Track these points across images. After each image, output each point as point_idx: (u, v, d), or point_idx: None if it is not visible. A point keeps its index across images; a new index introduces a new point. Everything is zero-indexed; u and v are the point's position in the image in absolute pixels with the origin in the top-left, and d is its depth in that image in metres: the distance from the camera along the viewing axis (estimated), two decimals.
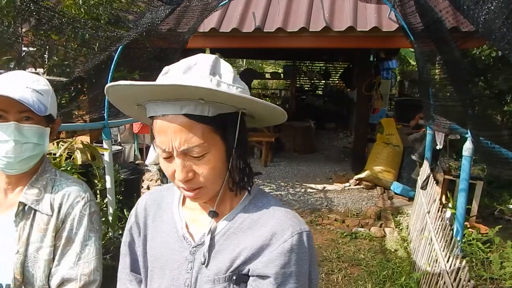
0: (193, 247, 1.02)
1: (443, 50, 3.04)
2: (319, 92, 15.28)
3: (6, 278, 1.26)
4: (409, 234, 4.79)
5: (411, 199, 5.84)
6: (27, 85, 1.27)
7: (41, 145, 1.32)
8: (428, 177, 4.25)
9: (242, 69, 19.97)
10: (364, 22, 5.39)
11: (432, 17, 2.78)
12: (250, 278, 0.97)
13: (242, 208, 1.02)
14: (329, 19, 5.47)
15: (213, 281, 0.97)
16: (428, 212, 3.84)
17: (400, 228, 5.10)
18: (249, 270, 0.96)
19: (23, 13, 2.73)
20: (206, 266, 0.98)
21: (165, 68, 0.94)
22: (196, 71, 0.90)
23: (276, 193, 6.44)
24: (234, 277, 0.96)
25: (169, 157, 0.93)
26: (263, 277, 0.94)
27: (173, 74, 0.91)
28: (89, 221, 1.34)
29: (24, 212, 1.31)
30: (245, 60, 21.63)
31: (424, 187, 4.26)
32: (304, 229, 0.97)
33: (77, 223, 1.33)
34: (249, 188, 1.03)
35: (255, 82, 16.64)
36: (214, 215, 1.01)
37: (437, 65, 3.50)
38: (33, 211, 1.32)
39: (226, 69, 0.95)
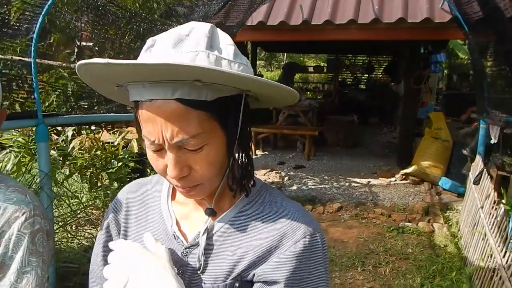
0: (185, 248, 0.86)
1: (503, 40, 2.96)
2: (362, 86, 15.13)
3: None
4: (459, 230, 4.69)
5: (460, 195, 5.71)
6: None
7: None
8: (481, 172, 4.15)
9: (283, 63, 20.02)
10: (415, 13, 5.29)
11: (493, 6, 2.72)
12: (255, 285, 0.82)
13: (244, 204, 0.87)
14: (378, 10, 5.40)
15: None
16: (482, 208, 3.75)
17: (450, 224, 5.00)
18: (254, 275, 0.81)
19: (88, 7, 2.87)
20: (202, 271, 0.83)
21: (150, 40, 0.76)
22: (189, 45, 0.73)
23: (320, 186, 6.45)
24: (237, 285, 0.82)
25: (160, 150, 0.77)
26: (270, 283, 0.80)
27: (160, 49, 0.73)
28: (30, 242, 1.03)
29: None
30: (285, 54, 21.63)
31: (477, 182, 4.16)
32: (317, 229, 0.84)
33: (13, 245, 1.02)
34: (251, 185, 0.88)
35: (296, 76, 16.62)
36: (212, 213, 0.85)
37: (494, 56, 3.41)
38: None
39: (225, 41, 0.78)
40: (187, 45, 0.72)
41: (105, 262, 0.87)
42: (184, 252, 0.86)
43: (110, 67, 0.69)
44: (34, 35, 2.62)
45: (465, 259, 3.94)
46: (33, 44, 2.64)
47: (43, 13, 2.63)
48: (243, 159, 0.85)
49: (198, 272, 0.83)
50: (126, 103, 0.88)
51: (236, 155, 0.83)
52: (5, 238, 1.01)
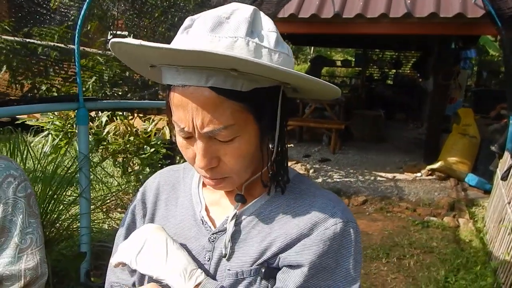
0: (212, 234, 0.84)
1: None
2: (389, 81, 15.02)
3: None
4: (484, 226, 4.68)
5: (486, 192, 5.67)
6: None
7: None
8: (509, 168, 4.13)
9: (309, 56, 19.97)
10: (448, 8, 5.26)
11: None
12: (280, 270, 0.80)
13: (275, 192, 0.84)
14: (410, 5, 5.38)
15: (235, 275, 0.79)
16: (509, 203, 3.75)
17: (475, 219, 4.99)
18: (279, 259, 0.79)
19: None
20: (228, 258, 0.81)
21: (188, 20, 0.72)
22: (229, 30, 0.68)
23: (345, 179, 6.48)
24: (263, 270, 0.79)
25: (190, 137, 0.74)
26: (294, 266, 0.77)
27: (198, 32, 0.69)
28: (26, 204, 1.07)
29: None
30: (312, 47, 21.56)
31: (504, 178, 4.14)
32: (351, 219, 0.80)
33: (12, 208, 1.05)
34: (285, 180, 0.83)
35: (323, 69, 16.58)
36: (241, 199, 0.83)
37: None
38: None
39: (267, 26, 0.72)
40: (226, 29, 0.68)
41: None
42: (212, 237, 0.84)
43: (144, 49, 0.66)
44: (79, 22, 2.75)
45: (490, 253, 3.94)
46: (77, 31, 2.77)
47: (88, 0, 2.75)
48: (279, 154, 0.79)
49: (224, 258, 0.81)
50: (157, 80, 0.83)
51: (273, 149, 0.77)
52: (3, 203, 1.04)
